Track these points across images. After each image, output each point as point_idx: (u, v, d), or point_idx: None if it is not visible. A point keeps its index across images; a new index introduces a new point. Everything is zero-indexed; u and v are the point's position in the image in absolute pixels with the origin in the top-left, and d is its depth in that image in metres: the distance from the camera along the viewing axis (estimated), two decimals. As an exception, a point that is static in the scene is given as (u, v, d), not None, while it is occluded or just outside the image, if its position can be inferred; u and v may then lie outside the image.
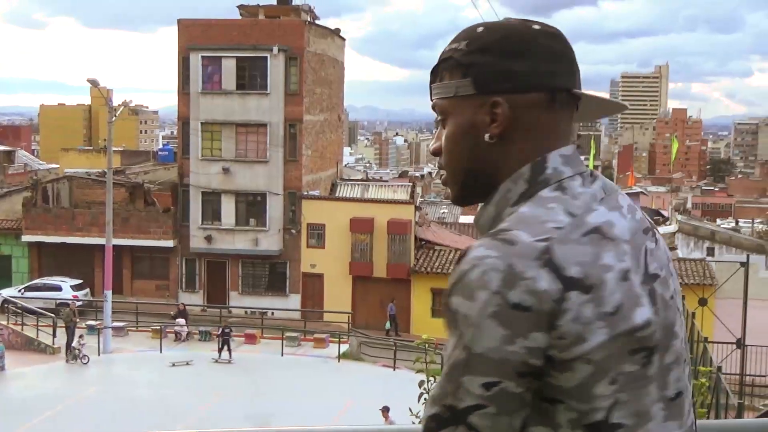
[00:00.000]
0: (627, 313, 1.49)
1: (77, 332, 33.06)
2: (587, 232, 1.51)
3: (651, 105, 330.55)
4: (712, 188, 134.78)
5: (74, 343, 31.87)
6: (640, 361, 1.51)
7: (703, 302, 21.77)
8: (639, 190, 72.18)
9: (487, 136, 1.61)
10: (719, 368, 12.57)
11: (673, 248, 43.62)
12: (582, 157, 1.69)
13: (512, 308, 1.44)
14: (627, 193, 1.69)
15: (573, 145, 1.65)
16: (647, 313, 1.52)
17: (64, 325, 33.40)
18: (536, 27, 1.62)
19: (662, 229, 51.50)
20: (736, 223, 77.83)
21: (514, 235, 1.48)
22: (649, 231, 1.64)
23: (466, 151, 1.65)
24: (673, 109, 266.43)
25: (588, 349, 1.46)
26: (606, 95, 1.82)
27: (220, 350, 32.36)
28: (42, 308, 37.00)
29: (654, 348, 1.54)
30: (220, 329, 33.44)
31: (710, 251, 43.75)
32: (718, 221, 75.61)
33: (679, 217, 57.43)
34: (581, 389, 1.49)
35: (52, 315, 35.34)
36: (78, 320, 33.79)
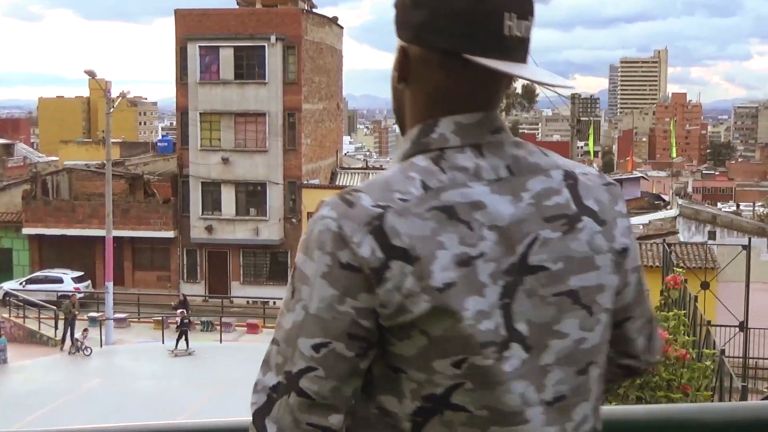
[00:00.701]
0: (455, 297, 1.43)
1: (78, 324, 33.06)
2: (433, 208, 1.46)
3: (650, 90, 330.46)
4: (712, 172, 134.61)
5: (77, 335, 31.88)
6: (491, 355, 1.46)
7: (705, 286, 21.68)
8: (639, 174, 72.14)
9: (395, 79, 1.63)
10: (722, 351, 12.55)
11: (674, 232, 43.59)
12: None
13: (342, 269, 1.44)
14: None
15: (480, 114, 1.56)
16: (483, 304, 1.45)
17: (63, 317, 33.41)
18: None
19: (663, 214, 51.44)
20: (737, 206, 77.77)
21: (357, 197, 1.48)
22: (560, 219, 1.53)
23: (392, 88, 1.66)
24: (673, 93, 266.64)
25: (412, 319, 1.44)
26: (551, 74, 1.60)
27: (177, 341, 31.93)
28: (44, 301, 36.99)
29: (503, 344, 1.46)
30: (179, 321, 32.84)
31: (712, 235, 43.71)
32: (719, 205, 75.58)
33: (680, 201, 57.41)
34: (420, 359, 1.47)
35: (54, 307, 35.33)
36: (77, 312, 33.68)
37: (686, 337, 5.56)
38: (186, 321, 32.44)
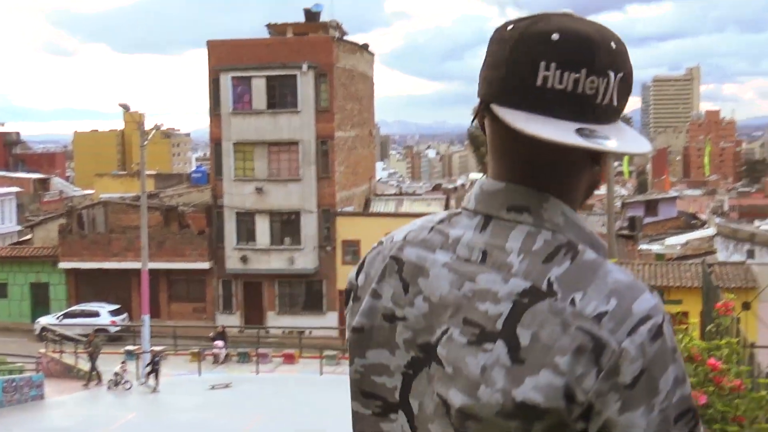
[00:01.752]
0: (366, 344, 1.53)
1: (114, 358, 32.98)
2: (391, 257, 1.53)
3: (683, 108, 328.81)
4: (748, 189, 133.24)
5: (117, 369, 31.75)
6: (373, 408, 1.54)
7: (746, 306, 21.35)
8: (676, 194, 71.52)
9: None
10: (770, 375, 12.22)
11: (712, 252, 43.08)
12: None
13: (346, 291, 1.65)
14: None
15: (502, 183, 1.44)
16: (389, 361, 1.49)
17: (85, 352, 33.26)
18: (500, 27, 1.43)
19: (700, 233, 50.85)
20: (776, 224, 76.71)
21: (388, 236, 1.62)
22: (475, 328, 1.36)
23: None
24: (706, 111, 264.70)
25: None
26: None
27: (147, 375, 31.39)
28: (80, 335, 37.03)
29: (393, 406, 1.50)
30: (151, 357, 32.04)
31: (750, 253, 43.15)
32: (757, 222, 74.64)
33: (717, 220, 56.82)
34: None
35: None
36: (93, 349, 32.82)
37: (740, 367, 5.31)
38: (157, 358, 31.76)
